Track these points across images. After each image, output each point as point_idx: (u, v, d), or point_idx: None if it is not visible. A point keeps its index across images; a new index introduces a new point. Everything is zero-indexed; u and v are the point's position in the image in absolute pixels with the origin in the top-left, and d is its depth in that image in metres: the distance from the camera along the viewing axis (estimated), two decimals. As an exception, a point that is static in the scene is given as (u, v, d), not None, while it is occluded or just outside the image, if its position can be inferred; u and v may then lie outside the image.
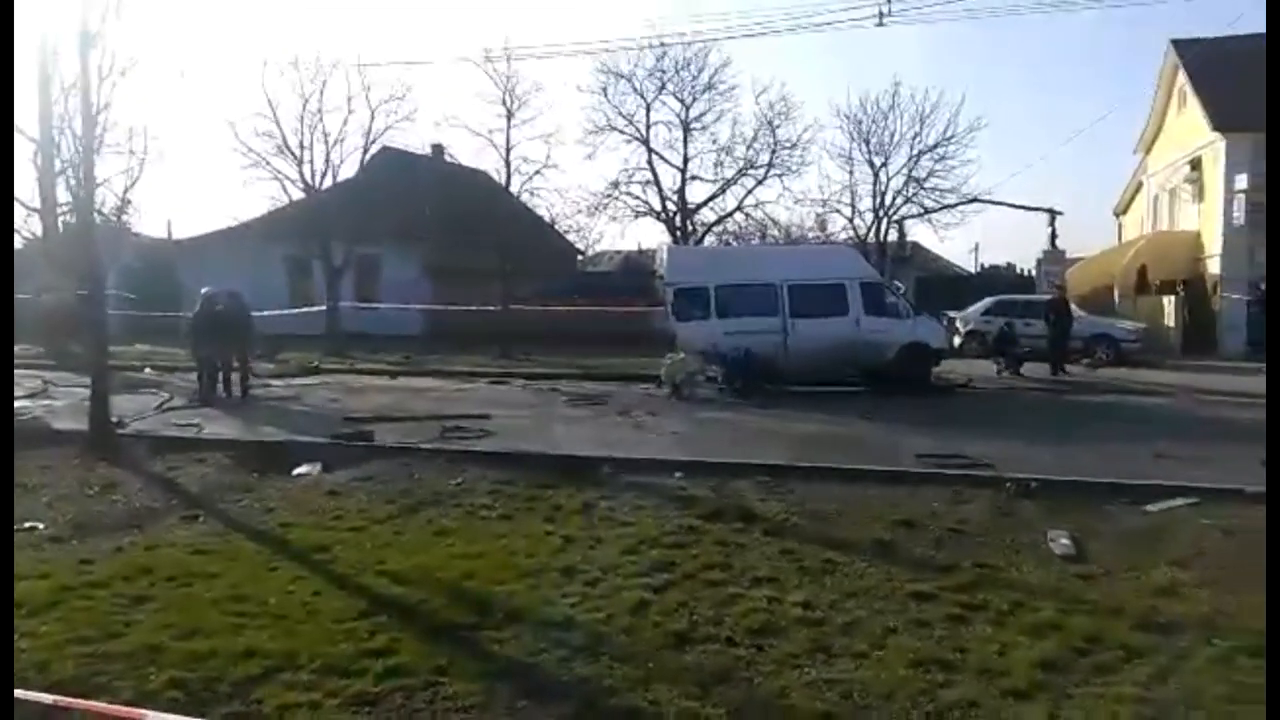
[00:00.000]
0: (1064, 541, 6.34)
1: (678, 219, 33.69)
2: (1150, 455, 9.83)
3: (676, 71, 33.19)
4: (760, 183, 33.89)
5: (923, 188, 33.52)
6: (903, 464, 9.25)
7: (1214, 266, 24.42)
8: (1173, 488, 7.84)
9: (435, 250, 28.85)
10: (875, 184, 33.91)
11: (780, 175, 33.82)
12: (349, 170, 26.96)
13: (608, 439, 10.94)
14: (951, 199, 33.18)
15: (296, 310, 24.52)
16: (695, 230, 34.08)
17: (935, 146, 33.01)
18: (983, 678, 4.23)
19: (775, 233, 35.21)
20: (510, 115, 24.76)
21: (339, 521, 7.11)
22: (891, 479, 8.41)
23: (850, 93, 74.49)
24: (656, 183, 33.89)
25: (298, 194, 25.88)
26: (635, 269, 33.23)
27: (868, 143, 33.82)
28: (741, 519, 7.01)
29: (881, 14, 20.64)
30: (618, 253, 41.13)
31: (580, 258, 39.02)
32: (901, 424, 12.45)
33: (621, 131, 33.78)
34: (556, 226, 34.91)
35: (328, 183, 25.66)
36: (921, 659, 4.46)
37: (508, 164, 25.16)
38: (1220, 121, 23.52)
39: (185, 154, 63.98)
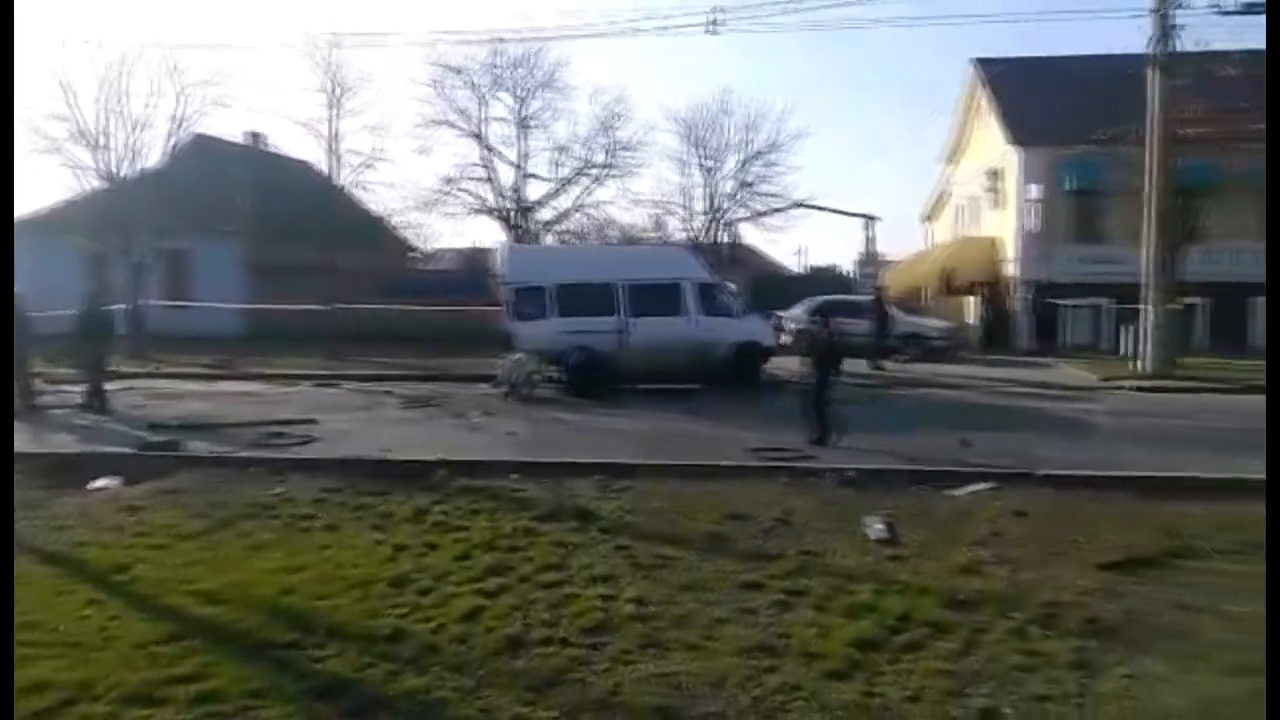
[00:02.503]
0: (879, 527, 6.73)
1: (515, 217, 33.38)
2: (955, 443, 10.60)
3: (512, 68, 32.91)
4: (598, 182, 34.19)
5: (752, 192, 34.88)
6: (735, 459, 9.54)
7: (1011, 269, 26.68)
8: (974, 473, 8.49)
9: (254, 245, 27.11)
10: (707, 187, 34.98)
11: (617, 176, 34.26)
12: (157, 158, 24.92)
13: (442, 442, 10.67)
14: (778, 203, 34.72)
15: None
16: (533, 229, 33.89)
17: (763, 153, 34.44)
18: (804, 660, 4.41)
19: (614, 233, 35.58)
20: (336, 104, 23.69)
21: (141, 539, 6.55)
22: (725, 473, 8.66)
23: (683, 97, 76.22)
24: (492, 180, 33.49)
25: (97, 183, 23.67)
26: (472, 267, 32.62)
27: (700, 147, 34.84)
28: (579, 519, 7.02)
29: (713, 21, 21.15)
30: (454, 250, 40.27)
31: (414, 255, 37.93)
32: (734, 420, 12.87)
33: (456, 126, 33.14)
34: (388, 222, 33.76)
35: (132, 171, 23.61)
36: (749, 646, 4.60)
37: (334, 155, 24.07)
38: (1016, 136, 25.69)
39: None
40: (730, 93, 41.82)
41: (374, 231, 32.15)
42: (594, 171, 34.02)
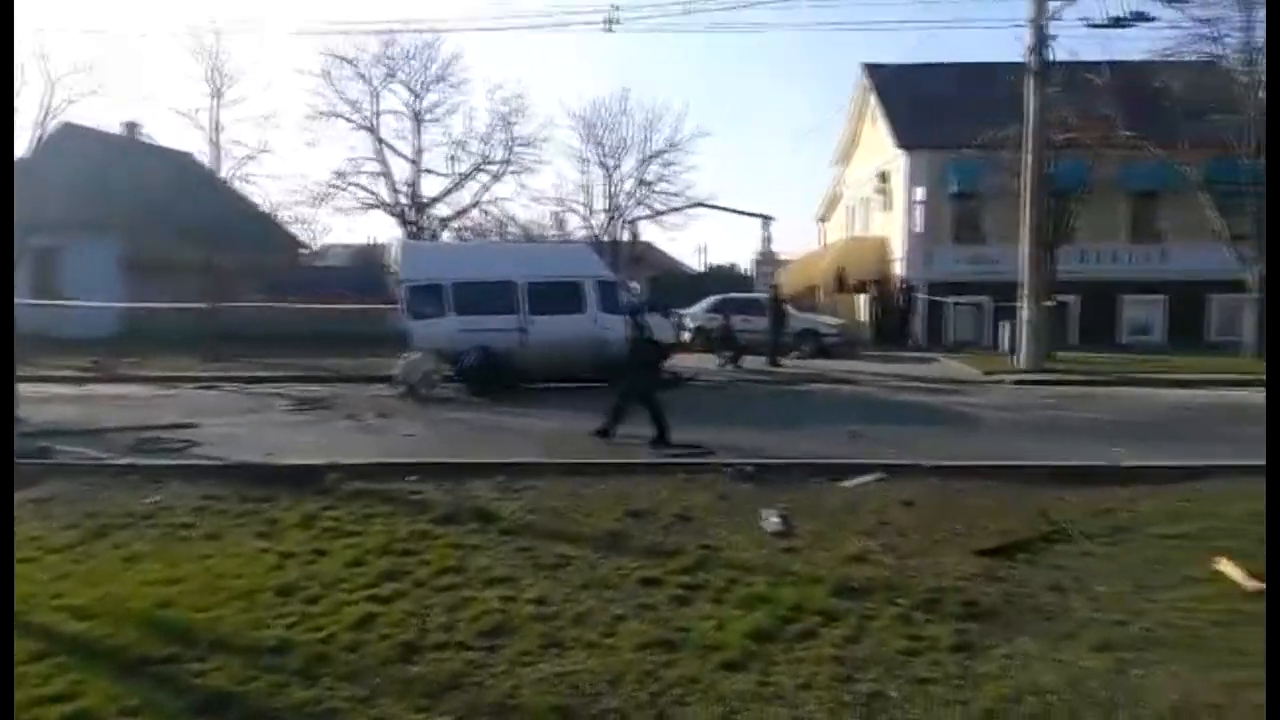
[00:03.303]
0: (774, 519, 6.87)
1: (411, 213, 32.68)
2: (847, 436, 10.94)
3: (406, 60, 32.21)
4: (496, 179, 33.84)
5: (651, 190, 35.15)
6: (636, 456, 9.59)
7: (900, 268, 27.70)
8: (864, 465, 8.76)
9: (131, 241, 25.68)
10: (608, 185, 35.06)
11: (517, 172, 33.99)
12: (23, 150, 23.36)
13: (334, 445, 10.36)
14: (678, 202, 35.11)
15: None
16: (431, 225, 33.26)
17: (662, 152, 34.76)
18: (702, 653, 4.46)
19: (514, 230, 35.28)
20: (218, 94, 22.67)
21: (3, 554, 6.10)
22: (624, 471, 8.68)
23: (583, 95, 76.12)
24: (387, 174, 32.70)
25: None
26: (366, 264, 31.76)
27: (600, 145, 34.90)
28: (478, 520, 6.91)
29: (611, 20, 21.21)
30: (347, 246, 39.13)
31: (304, 251, 36.68)
32: (635, 417, 12.89)
33: (347, 119, 32.23)
34: (276, 217, 32.56)
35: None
36: (648, 642, 4.62)
37: (217, 147, 23.03)
38: (903, 140, 26.69)
39: None
40: (629, 91, 41.95)
41: (260, 226, 30.95)
42: (492, 168, 33.68)
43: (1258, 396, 15.64)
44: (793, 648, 4.55)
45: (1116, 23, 18.26)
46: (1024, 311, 19.37)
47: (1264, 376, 17.59)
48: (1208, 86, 21.36)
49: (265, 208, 31.45)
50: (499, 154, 33.50)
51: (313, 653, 4.54)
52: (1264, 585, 5.28)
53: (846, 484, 8.21)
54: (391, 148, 32.74)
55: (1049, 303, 19.92)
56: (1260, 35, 20.84)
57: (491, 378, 15.24)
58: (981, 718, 3.81)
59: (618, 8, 21.16)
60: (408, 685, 4.20)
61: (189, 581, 5.53)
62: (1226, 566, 5.65)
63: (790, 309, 22.67)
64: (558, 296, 16.15)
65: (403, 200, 32.84)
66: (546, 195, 37.47)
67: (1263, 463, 8.76)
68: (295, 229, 34.52)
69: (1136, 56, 22.37)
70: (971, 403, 15.14)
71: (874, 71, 29.27)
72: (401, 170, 33.17)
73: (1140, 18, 18.33)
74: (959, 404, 14.96)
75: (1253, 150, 20.76)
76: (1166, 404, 14.78)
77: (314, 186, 32.00)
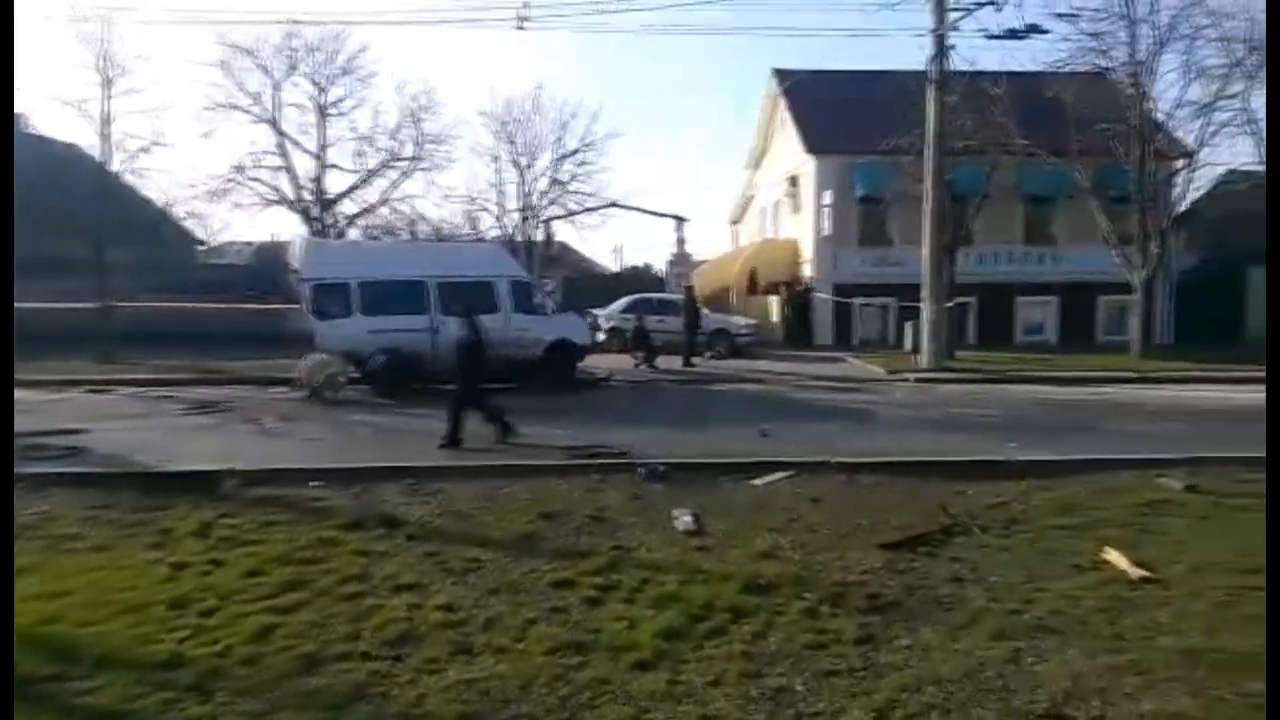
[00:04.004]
0: (686, 518, 6.92)
1: (315, 209, 31.75)
2: (758, 435, 11.11)
3: (309, 52, 31.28)
4: (406, 176, 33.14)
5: (566, 190, 35.00)
6: (548, 458, 9.53)
7: (809, 270, 28.28)
8: (775, 463, 8.91)
9: (14, 236, 24.18)
10: (521, 184, 34.76)
11: (427, 169, 33.36)
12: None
13: (233, 450, 9.96)
14: (592, 202, 35.01)
15: None
16: (337, 222, 32.37)
17: (576, 151, 34.65)
18: (613, 654, 4.46)
19: (425, 228, 34.61)
20: (108, 84, 21.54)
21: None
22: (537, 472, 8.62)
23: (496, 93, 75.33)
24: (289, 169, 31.68)
25: None
26: (268, 262, 30.66)
27: (513, 143, 34.56)
28: (384, 525, 6.75)
29: (522, 18, 21.03)
30: (248, 243, 37.72)
31: (202, 248, 35.22)
32: (548, 418, 12.83)
33: (246, 111, 31.10)
34: (171, 213, 31.16)
35: None
36: (559, 645, 4.59)
37: (107, 139, 21.88)
38: (812, 145, 27.23)
39: None
40: (542, 90, 41.59)
41: (154, 223, 29.56)
42: (401, 164, 32.96)
43: (1141, 392, 16.59)
44: (703, 645, 4.59)
45: (1012, 34, 19.05)
46: (926, 312, 20.02)
47: (1151, 374, 18.68)
48: (1096, 97, 22.50)
49: (160, 203, 30.01)
50: (408, 150, 32.82)
51: (207, 667, 4.36)
52: (1147, 573, 5.59)
53: (757, 482, 8.33)
54: (294, 142, 31.75)
55: (949, 304, 20.65)
56: (1144, 50, 22.09)
57: (400, 380, 14.93)
58: (883, 708, 3.91)
59: (529, 5, 20.93)
60: (308, 698, 4.07)
61: (75, 595, 5.24)
62: (1113, 555, 5.94)
63: (704, 309, 22.92)
64: (469, 296, 15.90)
65: (306, 196, 31.86)
66: (458, 193, 36.82)
67: (1146, 456, 9.31)
68: (192, 225, 33.12)
69: (1031, 67, 23.41)
70: (877, 400, 15.57)
71: (783, 77, 29.80)
72: (305, 165, 32.20)
73: (1034, 30, 19.18)
74: (865, 402, 15.37)
75: (1136, 158, 21.95)
76: (1058, 400, 15.49)
77: (211, 181, 30.77)
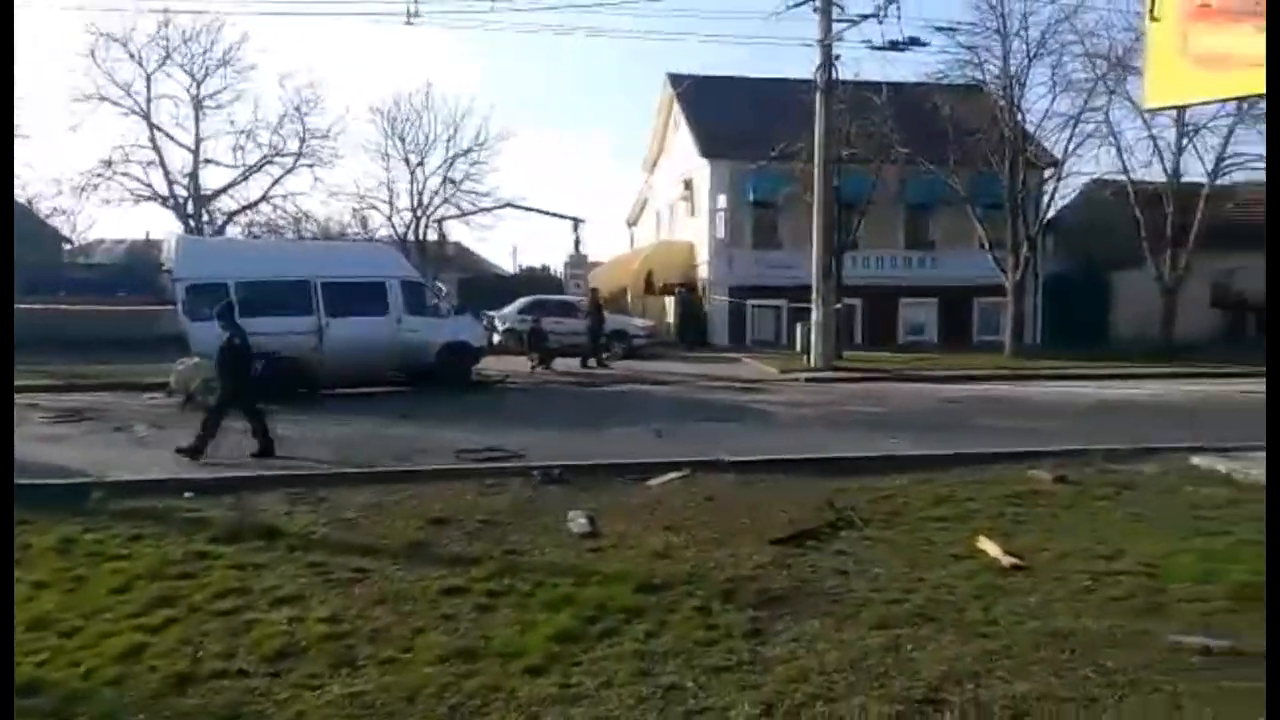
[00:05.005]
0: (581, 520, 6.89)
1: (191, 206, 30.29)
2: (653, 435, 11.19)
3: (184, 42, 29.84)
4: (289, 172, 31.98)
5: (459, 189, 34.45)
6: (440, 462, 9.34)
7: (704, 272, 28.70)
8: (669, 463, 8.98)
9: None
10: (412, 182, 34.02)
11: (311, 166, 32.29)
12: None
13: (99, 460, 9.39)
14: (487, 202, 34.60)
15: None
16: (214, 219, 30.96)
17: (470, 150, 34.16)
18: (503, 661, 4.39)
19: (312, 227, 33.50)
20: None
21: None
22: (428, 477, 8.45)
23: (384, 89, 73.45)
24: (163, 164, 30.13)
25: None
26: (140, 261, 29.04)
27: (403, 140, 33.80)
28: (264, 537, 6.47)
29: (412, 13, 20.60)
30: (119, 241, 35.66)
31: (68, 246, 33.12)
32: (442, 422, 12.62)
33: (116, 103, 29.41)
34: (34, 209, 29.19)
35: None
36: (448, 653, 4.49)
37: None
38: (706, 149, 27.66)
39: None
40: (432, 86, 40.94)
41: (15, 219, 27.63)
42: (284, 160, 31.79)
43: (1014, 389, 17.51)
44: (595, 647, 4.57)
45: (894, 46, 19.86)
46: (816, 314, 20.62)
47: (1022, 372, 19.73)
48: (972, 108, 23.65)
49: (21, 199, 28.07)
50: (291, 145, 31.71)
51: (69, 691, 4.09)
52: (1018, 560, 5.88)
53: (652, 483, 8.38)
54: (168, 135, 30.23)
55: (838, 306, 21.32)
56: (1015, 64, 23.33)
57: (283, 384, 14.33)
58: (771, 700, 3.98)
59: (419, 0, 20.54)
60: (178, 720, 3.85)
61: (-89, 623, 4.81)
62: (986, 544, 6.23)
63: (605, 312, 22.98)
64: (358, 297, 15.48)
65: (181, 192, 30.35)
66: (346, 191, 35.78)
67: (1018, 449, 9.82)
68: (57, 222, 31.10)
69: (913, 79, 24.43)
70: (769, 400, 15.93)
71: (677, 81, 30.17)
72: (180, 160, 30.68)
73: (914, 42, 20.07)
74: (757, 401, 15.70)
75: (1008, 167, 23.17)
76: (937, 398, 16.18)
77: (78, 176, 28.96)
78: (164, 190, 30.13)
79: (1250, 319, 28.46)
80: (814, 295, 20.66)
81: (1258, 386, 18.16)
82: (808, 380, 18.72)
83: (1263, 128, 24.36)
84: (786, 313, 25.41)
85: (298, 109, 31.44)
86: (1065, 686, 4.12)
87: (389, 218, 34.38)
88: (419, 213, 33.98)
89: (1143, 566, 5.83)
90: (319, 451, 10.11)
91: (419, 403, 14.51)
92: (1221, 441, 10.08)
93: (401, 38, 77.06)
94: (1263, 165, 26.16)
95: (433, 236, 34.87)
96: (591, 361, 20.71)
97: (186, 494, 7.68)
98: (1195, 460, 9.11)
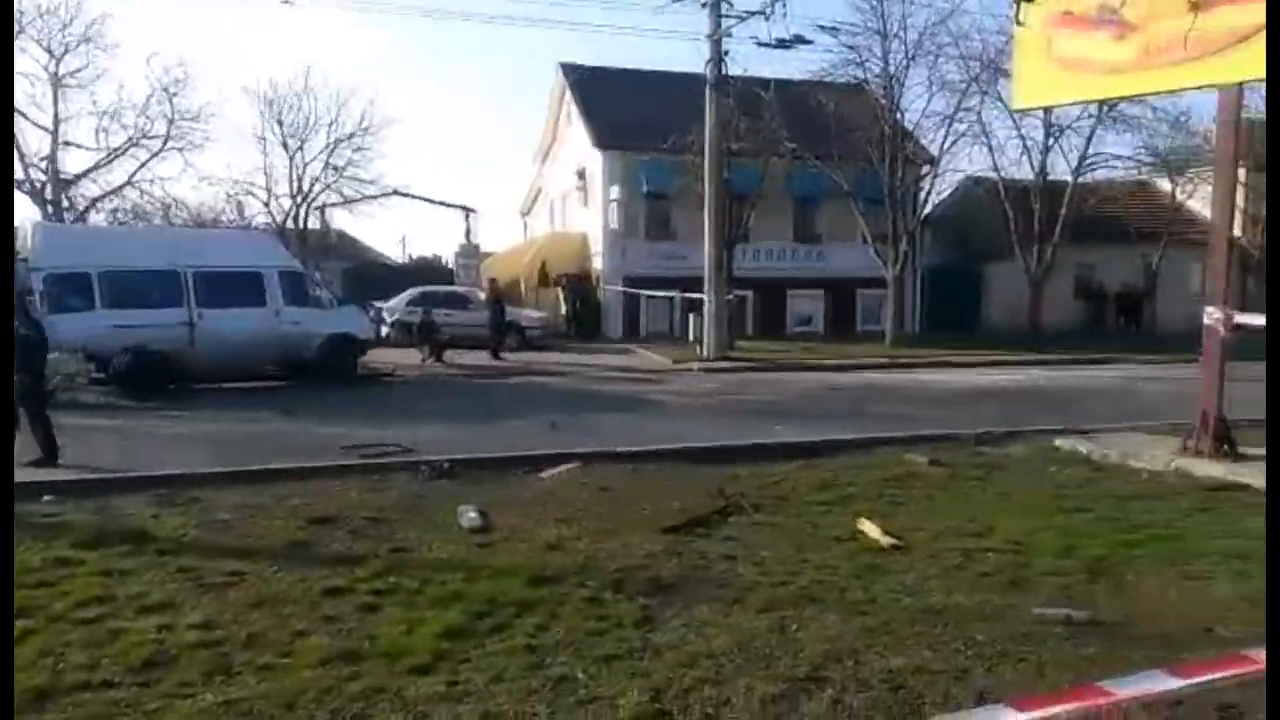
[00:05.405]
0: (472, 515, 6.79)
1: (49, 191, 28.30)
2: (547, 427, 11.13)
3: (40, 15, 27.81)
4: (156, 155, 30.23)
5: (342, 175, 33.31)
6: (324, 458, 9.03)
7: (598, 263, 28.69)
8: (563, 455, 8.95)
9: None
10: (292, 168, 32.70)
11: (182, 150, 30.59)
12: None
13: (-55, 463, 8.65)
14: (373, 189, 33.57)
15: None
16: (74, 205, 29.01)
17: (353, 135, 33.04)
18: (389, 661, 4.28)
19: (183, 214, 31.78)
20: None
21: None
22: (310, 474, 8.16)
23: (262, 71, 70.24)
24: (18, 146, 28.02)
25: None
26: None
27: (281, 124, 32.44)
28: (130, 541, 6.10)
29: (291, -8, 19.78)
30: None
31: (-93, 234, 30.37)
32: (326, 417, 12.23)
33: (-39, 79, 27.13)
34: None
35: None
36: (330, 656, 4.35)
37: None
38: (599, 140, 27.58)
39: None
40: (311, 69, 39.53)
41: None
42: (152, 143, 30.03)
43: (895, 377, 18.23)
44: (485, 643, 4.51)
45: (781, 43, 20.32)
46: (708, 305, 20.92)
47: (902, 360, 20.54)
48: (855, 106, 24.41)
49: None
50: (160, 128, 29.97)
51: (-99, 717, 3.75)
52: (896, 540, 6.13)
53: (545, 474, 8.34)
54: (23, 115, 28.09)
55: (729, 297, 21.69)
56: (895, 64, 24.18)
57: (151, 379, 13.59)
58: (661, 686, 4.02)
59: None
60: (33, 739, 3.60)
61: None
62: (867, 526, 6.46)
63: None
64: (234, 288, 14.80)
65: (39, 176, 28.31)
66: (220, 177, 34.05)
67: (897, 434, 10.22)
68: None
69: (800, 77, 25.02)
70: (663, 390, 16.09)
71: (569, 71, 29.99)
72: (37, 142, 28.61)
73: (799, 40, 20.59)
74: (652, 392, 15.83)
75: (888, 164, 24.03)
76: (823, 386, 16.69)
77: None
78: (19, 173, 28.05)
79: (1109, 309, 30.53)
80: (707, 286, 20.95)
81: (1115, 372, 19.55)
82: (700, 370, 18.99)
83: (1121, 129, 26.21)
84: (680, 304, 25.70)
85: (166, 89, 29.75)
86: (939, 660, 4.32)
87: (266, 204, 32.94)
88: (299, 200, 32.67)
89: (1010, 543, 6.16)
90: (191, 450, 9.62)
91: (301, 398, 14.00)
92: (1082, 424, 10.79)
93: (281, 19, 73.68)
94: (1121, 165, 28.19)
95: (315, 224, 33.56)
96: (504, 354, 20.45)
97: (45, 497, 7.19)
98: (1058, 442, 9.71)
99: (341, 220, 36.29)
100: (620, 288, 27.33)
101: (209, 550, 6.00)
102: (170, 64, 30.80)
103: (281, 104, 32.19)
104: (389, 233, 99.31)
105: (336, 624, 4.78)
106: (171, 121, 30.00)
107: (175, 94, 29.88)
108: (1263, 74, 7.57)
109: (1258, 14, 7.52)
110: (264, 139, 32.26)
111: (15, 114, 27.95)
